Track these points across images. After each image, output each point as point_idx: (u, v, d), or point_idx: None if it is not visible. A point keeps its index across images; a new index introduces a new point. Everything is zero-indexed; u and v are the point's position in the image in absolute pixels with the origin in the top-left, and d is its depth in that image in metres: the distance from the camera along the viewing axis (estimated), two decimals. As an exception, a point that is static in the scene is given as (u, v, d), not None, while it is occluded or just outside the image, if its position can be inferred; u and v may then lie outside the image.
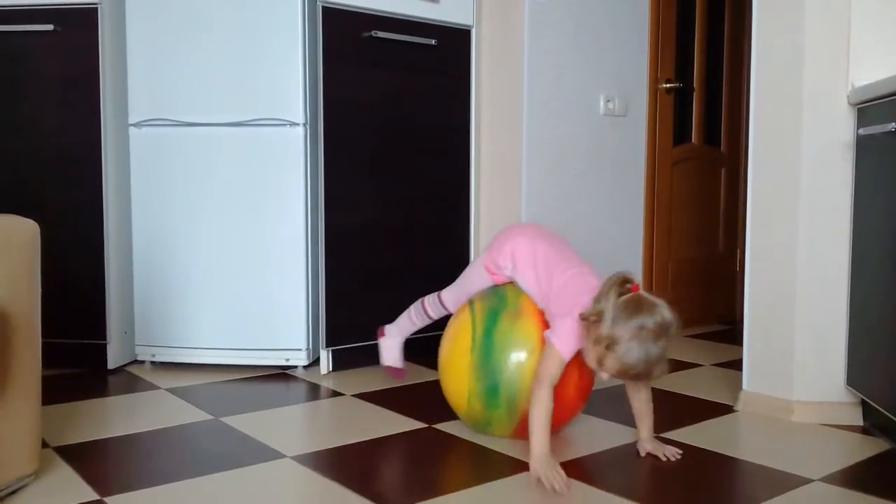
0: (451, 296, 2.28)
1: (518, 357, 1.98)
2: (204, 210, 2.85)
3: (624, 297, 1.75)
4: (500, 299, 2.08)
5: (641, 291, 1.79)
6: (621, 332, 1.71)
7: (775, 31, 2.34)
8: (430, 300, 2.34)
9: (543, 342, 1.92)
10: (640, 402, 2.02)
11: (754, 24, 2.40)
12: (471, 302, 2.15)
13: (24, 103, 2.84)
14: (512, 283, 2.12)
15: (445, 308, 2.30)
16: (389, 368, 2.50)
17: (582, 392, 2.07)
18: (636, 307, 1.73)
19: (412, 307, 2.40)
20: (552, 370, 1.85)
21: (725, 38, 3.98)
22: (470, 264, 2.30)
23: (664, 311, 1.74)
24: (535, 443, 1.82)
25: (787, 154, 2.31)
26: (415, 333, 2.49)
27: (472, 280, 2.19)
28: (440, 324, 2.30)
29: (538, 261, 2.02)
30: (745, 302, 2.45)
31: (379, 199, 2.98)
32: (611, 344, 1.72)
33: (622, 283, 1.78)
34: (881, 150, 2.05)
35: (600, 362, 1.76)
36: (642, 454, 1.98)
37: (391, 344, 2.48)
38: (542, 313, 2.02)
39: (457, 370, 2.09)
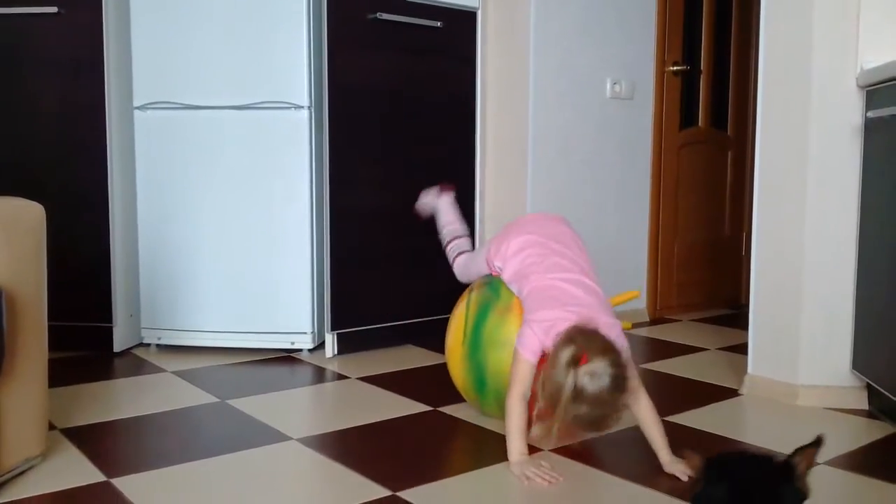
0: (461, 265, 2.30)
1: (500, 355, 1.96)
2: (209, 193, 2.85)
3: (573, 373, 1.63)
4: (493, 292, 2.08)
5: (588, 355, 1.66)
6: (576, 403, 1.63)
7: (784, 13, 2.31)
8: (453, 248, 2.36)
9: None
10: (644, 413, 1.83)
11: (763, 5, 2.38)
12: (470, 291, 2.18)
13: (28, 86, 2.83)
14: None
15: (453, 264, 2.33)
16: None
17: None
18: (587, 376, 1.63)
19: (455, 228, 2.42)
20: (520, 374, 1.81)
21: (733, 20, 3.95)
22: (482, 245, 2.28)
23: (609, 371, 1.64)
24: (511, 451, 1.80)
25: (795, 137, 2.29)
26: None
27: (479, 263, 2.20)
28: (447, 308, 2.30)
29: (520, 274, 1.97)
30: (752, 285, 2.44)
31: (384, 181, 2.97)
32: (566, 415, 1.64)
33: (571, 356, 1.65)
34: (890, 133, 2.03)
35: (564, 429, 1.67)
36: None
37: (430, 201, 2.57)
38: None
39: (454, 359, 2.14)
